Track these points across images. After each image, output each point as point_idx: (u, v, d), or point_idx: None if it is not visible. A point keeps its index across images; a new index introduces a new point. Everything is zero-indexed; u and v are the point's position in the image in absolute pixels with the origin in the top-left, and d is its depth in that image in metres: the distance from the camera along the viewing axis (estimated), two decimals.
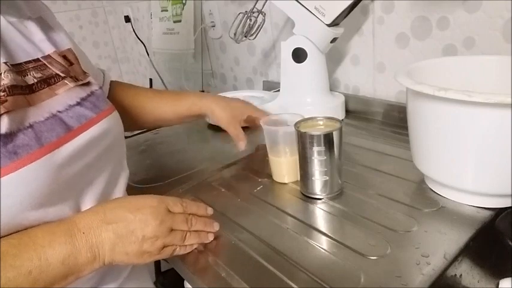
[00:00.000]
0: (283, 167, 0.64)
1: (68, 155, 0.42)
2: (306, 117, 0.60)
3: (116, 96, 0.66)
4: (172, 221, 0.46)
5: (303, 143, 0.56)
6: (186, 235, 0.47)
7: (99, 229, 0.41)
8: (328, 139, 0.54)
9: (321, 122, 0.59)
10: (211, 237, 0.51)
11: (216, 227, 0.52)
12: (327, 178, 0.56)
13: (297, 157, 0.58)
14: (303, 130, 0.55)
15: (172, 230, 0.46)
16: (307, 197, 0.59)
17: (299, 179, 0.60)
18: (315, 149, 0.55)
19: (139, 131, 1.01)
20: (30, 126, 0.39)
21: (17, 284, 0.36)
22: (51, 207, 0.41)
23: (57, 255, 0.38)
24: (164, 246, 0.45)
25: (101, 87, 0.51)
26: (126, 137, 0.57)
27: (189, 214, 0.48)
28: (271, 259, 0.47)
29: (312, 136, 0.54)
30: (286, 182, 0.64)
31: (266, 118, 0.66)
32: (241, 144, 0.70)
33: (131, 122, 0.68)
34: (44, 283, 0.38)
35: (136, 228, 0.43)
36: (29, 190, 0.38)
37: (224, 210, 0.58)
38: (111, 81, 0.68)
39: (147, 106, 0.69)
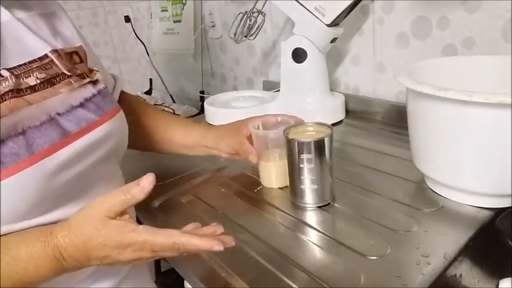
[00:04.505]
0: (272, 171, 0.62)
1: (62, 161, 0.41)
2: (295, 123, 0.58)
3: (129, 110, 0.63)
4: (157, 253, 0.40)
5: (291, 150, 0.53)
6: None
7: (86, 263, 0.39)
8: (318, 146, 0.52)
9: (311, 128, 0.57)
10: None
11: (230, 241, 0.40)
12: (317, 187, 0.55)
13: (286, 161, 0.56)
14: (291, 137, 0.53)
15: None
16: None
17: (289, 188, 0.58)
18: (304, 156, 0.52)
19: None
20: (23, 132, 0.38)
21: None
22: (41, 217, 0.40)
23: (42, 277, 0.38)
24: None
25: (106, 87, 0.50)
26: None
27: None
28: (271, 259, 0.46)
29: (301, 143, 0.52)
30: (274, 186, 0.63)
31: (257, 120, 0.63)
32: (252, 157, 0.62)
33: (140, 140, 0.65)
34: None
35: (121, 261, 0.39)
36: (15, 200, 0.37)
37: (224, 210, 0.58)
38: (129, 94, 0.66)
39: (160, 125, 0.65)
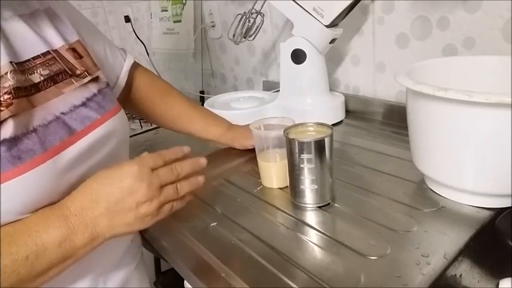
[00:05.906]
0: (273, 171, 0.62)
1: (72, 158, 0.42)
2: (296, 122, 0.58)
3: (149, 92, 0.70)
4: (159, 177, 0.44)
5: (291, 150, 0.53)
6: (177, 187, 0.46)
7: (90, 209, 0.40)
8: (318, 146, 0.52)
9: (311, 128, 0.57)
10: (202, 180, 0.49)
11: (203, 162, 0.50)
12: (317, 187, 0.54)
13: (286, 161, 0.57)
14: (291, 137, 0.53)
15: (162, 186, 0.44)
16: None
17: (289, 188, 0.58)
18: (304, 156, 0.52)
19: (139, 132, 1.02)
20: (34, 130, 0.39)
21: (14, 270, 0.36)
22: None
23: (52, 239, 0.38)
24: (161, 205, 0.44)
25: (107, 85, 0.51)
26: None
27: (172, 163, 0.46)
28: (271, 259, 0.46)
29: (301, 143, 0.52)
30: (275, 186, 0.63)
31: (255, 122, 0.64)
32: None
33: (159, 120, 0.74)
34: (42, 267, 0.37)
35: (126, 198, 0.41)
36: (31, 195, 0.38)
37: (224, 210, 0.58)
38: (146, 73, 0.71)
39: (182, 117, 0.73)
